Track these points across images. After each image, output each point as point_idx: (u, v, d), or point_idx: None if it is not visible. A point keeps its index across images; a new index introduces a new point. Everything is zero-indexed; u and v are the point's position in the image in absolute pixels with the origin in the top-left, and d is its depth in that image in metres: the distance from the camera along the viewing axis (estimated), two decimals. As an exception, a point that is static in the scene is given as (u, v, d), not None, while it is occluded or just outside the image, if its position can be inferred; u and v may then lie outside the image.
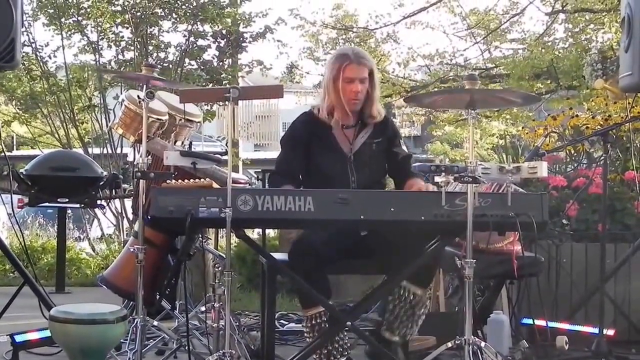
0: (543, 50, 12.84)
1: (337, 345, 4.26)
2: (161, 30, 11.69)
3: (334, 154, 4.58)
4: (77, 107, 11.66)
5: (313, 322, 4.29)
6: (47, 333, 4.65)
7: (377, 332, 4.48)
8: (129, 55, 11.46)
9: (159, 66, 9.92)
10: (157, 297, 4.86)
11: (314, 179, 4.60)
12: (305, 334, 4.43)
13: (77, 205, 7.23)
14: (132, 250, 4.62)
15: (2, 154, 5.73)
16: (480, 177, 3.83)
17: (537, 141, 5.43)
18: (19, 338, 4.87)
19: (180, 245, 4.88)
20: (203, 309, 5.33)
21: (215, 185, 4.22)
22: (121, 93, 9.76)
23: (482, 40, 14.45)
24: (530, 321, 5.07)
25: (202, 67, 11.76)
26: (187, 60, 11.66)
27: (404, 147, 4.79)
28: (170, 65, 11.41)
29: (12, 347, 4.85)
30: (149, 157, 4.57)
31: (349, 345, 4.33)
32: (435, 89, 12.72)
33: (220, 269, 4.31)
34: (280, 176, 4.53)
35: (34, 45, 11.47)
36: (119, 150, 11.07)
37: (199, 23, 11.61)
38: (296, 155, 4.61)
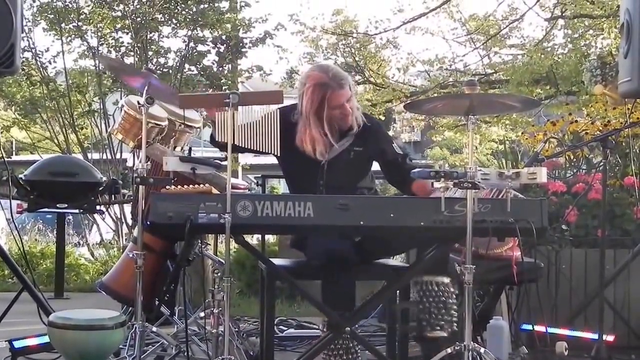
0: (542, 56, 12.84)
1: (350, 357, 4.24)
2: (161, 36, 11.75)
3: (305, 158, 4.51)
4: (77, 113, 11.71)
5: None
6: (46, 339, 4.64)
7: (422, 336, 4.39)
8: (129, 60, 11.50)
9: (158, 71, 9.94)
10: (156, 302, 4.84)
11: (289, 178, 4.76)
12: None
13: (76, 211, 7.26)
14: (131, 255, 4.61)
15: (2, 159, 5.72)
16: (479, 182, 3.81)
17: (536, 147, 5.42)
18: (17, 344, 4.87)
19: (179, 251, 4.87)
20: (202, 314, 5.31)
21: (214, 191, 4.22)
22: (121, 98, 9.77)
23: (481, 46, 14.47)
24: (529, 327, 5.07)
25: (201, 73, 11.79)
26: (186, 65, 11.71)
27: (398, 149, 4.73)
28: (170, 71, 11.44)
29: (11, 352, 4.84)
30: (149, 162, 4.57)
31: (359, 356, 4.31)
32: (435, 95, 12.74)
33: (219, 274, 4.31)
34: None
35: (33, 50, 11.51)
36: (118, 156, 11.10)
37: (198, 28, 11.66)
38: None
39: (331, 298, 4.26)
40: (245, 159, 14.06)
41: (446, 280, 4.38)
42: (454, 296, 4.42)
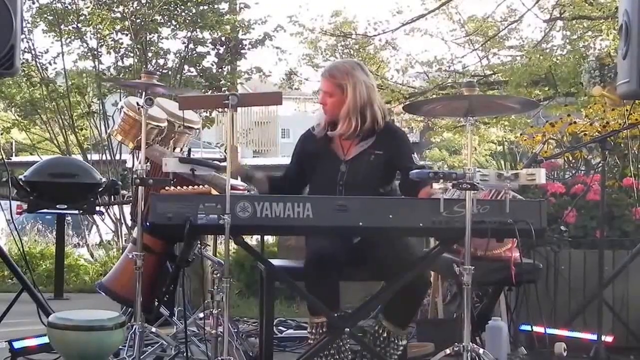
0: (541, 57, 12.86)
1: (342, 355, 4.26)
2: (160, 37, 11.74)
3: (327, 162, 4.67)
4: (76, 114, 11.71)
5: (323, 329, 4.30)
6: (46, 339, 4.65)
7: None
8: (128, 61, 11.53)
9: (158, 73, 9.95)
10: (156, 303, 4.86)
11: (311, 187, 4.80)
12: (311, 340, 4.41)
13: (76, 212, 7.26)
14: (130, 256, 4.63)
15: (1, 160, 5.74)
16: (478, 183, 3.83)
17: (535, 148, 5.44)
18: (17, 344, 4.88)
19: (178, 251, 4.88)
20: (201, 315, 5.34)
21: (214, 192, 4.23)
22: (120, 99, 9.78)
23: (480, 47, 14.49)
24: (528, 328, 5.08)
25: (201, 74, 11.80)
26: (186, 67, 11.72)
27: (416, 161, 4.76)
28: (170, 72, 11.45)
29: (11, 353, 4.85)
30: (148, 163, 4.58)
31: (352, 356, 4.32)
32: (434, 96, 12.76)
33: (218, 275, 4.32)
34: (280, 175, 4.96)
35: (33, 51, 11.51)
36: (117, 157, 11.10)
37: (198, 30, 11.67)
38: (291, 166, 4.92)
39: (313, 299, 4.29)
40: (245, 159, 14.04)
41: (393, 329, 4.41)
42: (395, 349, 4.44)
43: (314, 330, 4.35)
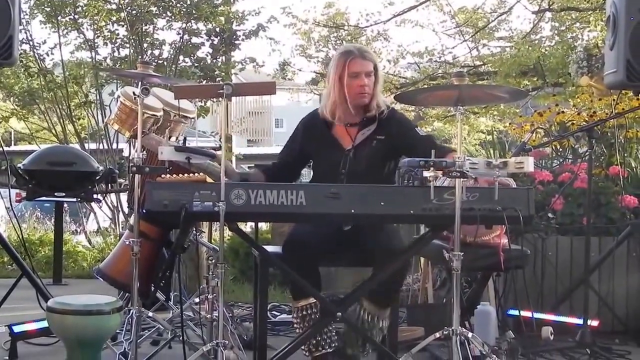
0: (530, 48, 12.93)
1: (325, 337, 4.30)
2: (156, 28, 11.79)
3: (331, 150, 4.60)
4: (74, 104, 11.77)
5: (303, 312, 4.32)
6: (45, 324, 4.72)
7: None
8: (124, 52, 11.57)
9: (153, 63, 10.01)
10: (152, 289, 4.90)
11: (314, 176, 4.74)
12: (295, 325, 4.44)
13: (74, 199, 7.30)
14: (127, 243, 4.63)
15: (1, 149, 5.81)
16: (468, 171, 3.89)
17: (523, 137, 5.50)
18: (17, 328, 4.95)
19: (174, 238, 4.93)
20: (197, 300, 5.36)
21: (209, 180, 4.28)
22: (117, 89, 9.85)
23: (470, 38, 14.56)
24: (516, 312, 5.15)
25: (196, 65, 11.85)
26: (181, 57, 11.76)
27: (422, 132, 4.72)
28: (165, 63, 11.50)
29: (10, 337, 4.93)
30: (144, 152, 4.62)
31: (336, 337, 4.36)
32: (425, 86, 12.82)
33: (213, 261, 4.38)
34: (272, 163, 4.80)
35: (31, 42, 11.57)
36: (114, 146, 11.19)
37: (193, 21, 11.71)
38: (289, 151, 4.78)
39: (294, 284, 4.37)
40: (240, 148, 14.12)
41: (373, 311, 4.39)
42: (376, 330, 4.41)
43: (295, 314, 4.39)
